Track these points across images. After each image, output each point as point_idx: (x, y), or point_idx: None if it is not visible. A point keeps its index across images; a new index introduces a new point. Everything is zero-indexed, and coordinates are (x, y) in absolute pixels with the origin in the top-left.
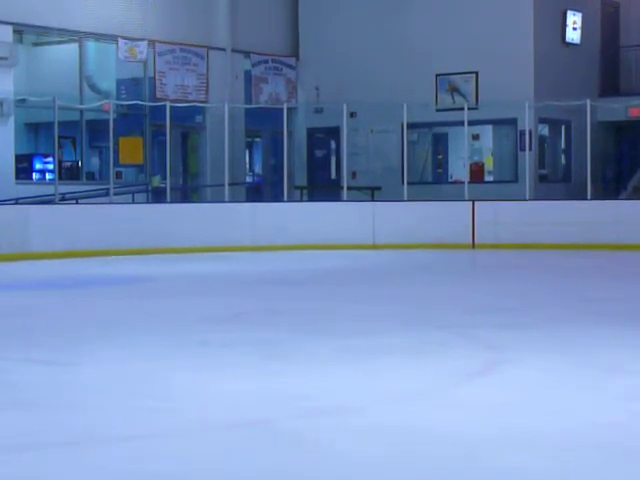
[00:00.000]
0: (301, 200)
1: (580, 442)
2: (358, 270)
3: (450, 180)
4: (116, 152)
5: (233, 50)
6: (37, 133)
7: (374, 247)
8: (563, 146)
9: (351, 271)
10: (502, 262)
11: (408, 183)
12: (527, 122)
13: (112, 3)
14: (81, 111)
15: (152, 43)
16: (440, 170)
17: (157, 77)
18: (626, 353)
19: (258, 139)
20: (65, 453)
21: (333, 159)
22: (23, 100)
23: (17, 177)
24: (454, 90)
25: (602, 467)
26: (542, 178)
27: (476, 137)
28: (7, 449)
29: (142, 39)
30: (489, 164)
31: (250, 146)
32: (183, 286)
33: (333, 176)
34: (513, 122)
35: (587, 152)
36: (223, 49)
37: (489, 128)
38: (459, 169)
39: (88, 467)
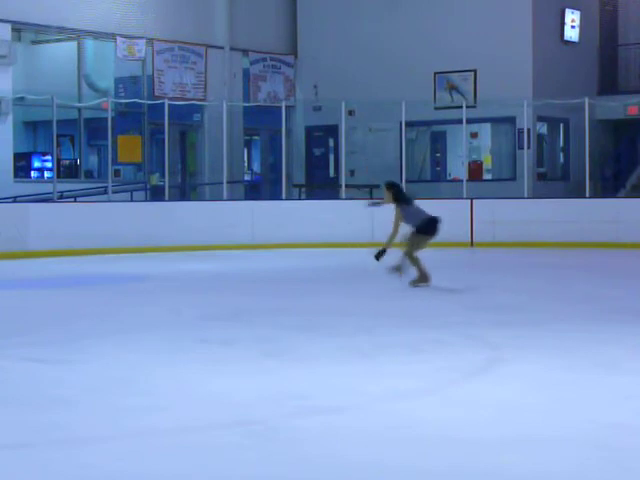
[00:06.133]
0: (299, 198)
1: (581, 441)
2: (356, 268)
3: (448, 178)
4: (114, 150)
5: (231, 48)
6: (35, 131)
7: (373, 245)
8: (561, 144)
9: (349, 269)
10: (500, 260)
11: (406, 181)
12: (525, 120)
13: (110, 2)
14: (79, 109)
15: (150, 41)
16: (438, 168)
17: (155, 75)
18: (627, 351)
19: (256, 137)
20: (61, 451)
21: (331, 157)
22: (21, 98)
23: (16, 175)
24: (452, 88)
25: (603, 466)
26: (540, 176)
27: (474, 135)
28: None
29: (140, 37)
30: (487, 162)
31: (248, 144)
32: (181, 284)
33: (331, 174)
34: (511, 120)
35: (585, 150)
36: (221, 47)
37: (487, 126)
38: (457, 167)
39: (81, 465)
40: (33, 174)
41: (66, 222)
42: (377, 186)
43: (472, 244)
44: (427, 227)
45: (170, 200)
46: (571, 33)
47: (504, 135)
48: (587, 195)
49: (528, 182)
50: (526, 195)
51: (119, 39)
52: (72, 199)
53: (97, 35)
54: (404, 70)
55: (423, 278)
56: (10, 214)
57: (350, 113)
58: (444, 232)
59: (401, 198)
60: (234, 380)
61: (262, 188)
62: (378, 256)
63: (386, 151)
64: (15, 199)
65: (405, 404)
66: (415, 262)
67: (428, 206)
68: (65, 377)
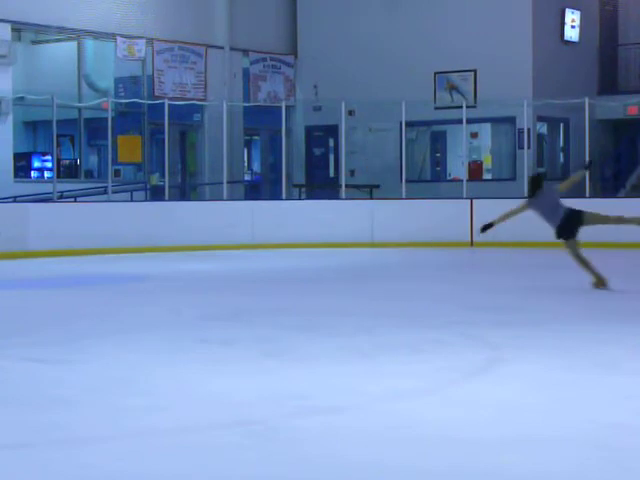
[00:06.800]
0: (299, 198)
1: (581, 441)
2: (356, 268)
3: (449, 178)
4: (114, 150)
5: (231, 48)
6: (35, 131)
7: (372, 245)
8: (561, 144)
9: (349, 269)
10: (500, 260)
11: (406, 181)
12: (525, 120)
13: (110, 2)
14: (79, 109)
15: (150, 41)
16: (439, 168)
17: (155, 75)
18: (627, 351)
19: (256, 137)
20: (61, 451)
21: (331, 157)
22: (21, 98)
23: (16, 175)
24: (453, 88)
25: (603, 466)
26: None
27: (475, 135)
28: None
29: (140, 37)
30: (487, 162)
31: (248, 144)
32: (182, 284)
33: (331, 174)
34: (511, 120)
35: (585, 150)
36: (221, 47)
37: (487, 126)
38: (458, 167)
39: (81, 465)
40: (33, 174)
41: (66, 222)
42: (377, 186)
43: (472, 244)
44: (562, 233)
45: (170, 200)
46: (571, 33)
47: (504, 135)
48: (587, 195)
49: (528, 182)
50: (526, 195)
51: (119, 39)
52: (72, 199)
53: (97, 35)
54: (404, 70)
55: (600, 282)
56: (10, 214)
57: (350, 113)
58: (444, 232)
59: (530, 193)
60: (234, 380)
61: (262, 188)
62: (483, 229)
63: (386, 151)
64: (15, 199)
65: (405, 404)
66: (585, 265)
67: (428, 206)
68: (65, 377)
